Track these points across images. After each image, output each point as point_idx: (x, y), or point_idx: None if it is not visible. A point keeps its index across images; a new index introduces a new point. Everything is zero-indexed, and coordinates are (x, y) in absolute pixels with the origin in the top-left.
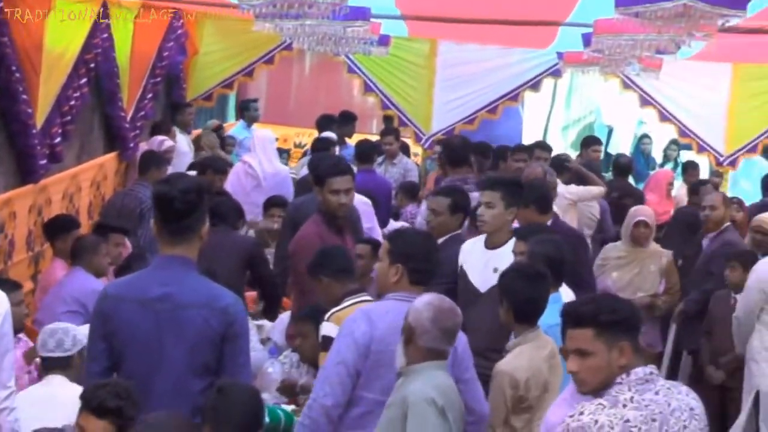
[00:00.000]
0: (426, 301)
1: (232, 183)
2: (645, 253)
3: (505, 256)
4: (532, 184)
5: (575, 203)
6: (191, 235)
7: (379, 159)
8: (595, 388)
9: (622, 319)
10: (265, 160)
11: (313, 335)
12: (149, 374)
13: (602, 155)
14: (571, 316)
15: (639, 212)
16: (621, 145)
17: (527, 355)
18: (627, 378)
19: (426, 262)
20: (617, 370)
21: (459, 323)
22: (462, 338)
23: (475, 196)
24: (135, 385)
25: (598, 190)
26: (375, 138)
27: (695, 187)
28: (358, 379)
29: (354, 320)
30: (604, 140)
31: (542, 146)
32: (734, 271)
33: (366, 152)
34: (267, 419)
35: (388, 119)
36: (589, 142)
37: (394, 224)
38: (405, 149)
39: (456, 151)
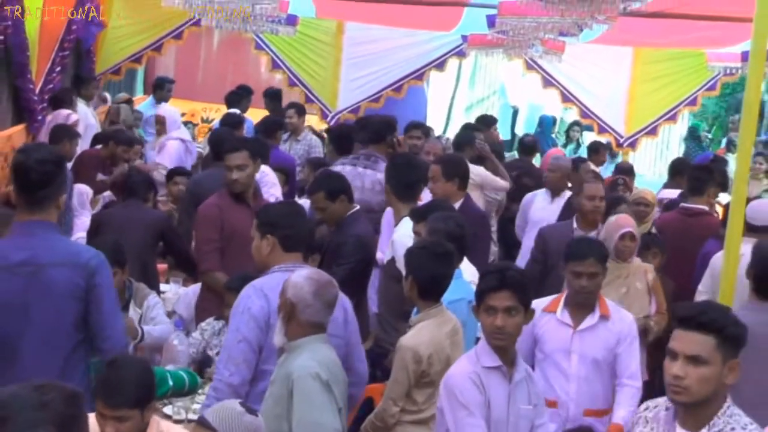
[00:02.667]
0: (305, 276)
1: (174, 162)
2: (629, 269)
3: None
4: (458, 160)
5: (479, 186)
6: (48, 203)
7: (285, 136)
8: (697, 400)
9: (742, 337)
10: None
11: None
12: (18, 336)
13: (509, 135)
14: (694, 320)
15: (622, 223)
16: (525, 125)
17: (430, 331)
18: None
19: (294, 228)
20: (722, 388)
21: (337, 294)
22: (348, 302)
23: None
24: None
25: (503, 184)
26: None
27: (574, 164)
28: (261, 354)
29: (248, 296)
30: (509, 121)
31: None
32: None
33: (270, 128)
34: (171, 383)
35: (271, 94)
36: (487, 121)
37: (299, 200)
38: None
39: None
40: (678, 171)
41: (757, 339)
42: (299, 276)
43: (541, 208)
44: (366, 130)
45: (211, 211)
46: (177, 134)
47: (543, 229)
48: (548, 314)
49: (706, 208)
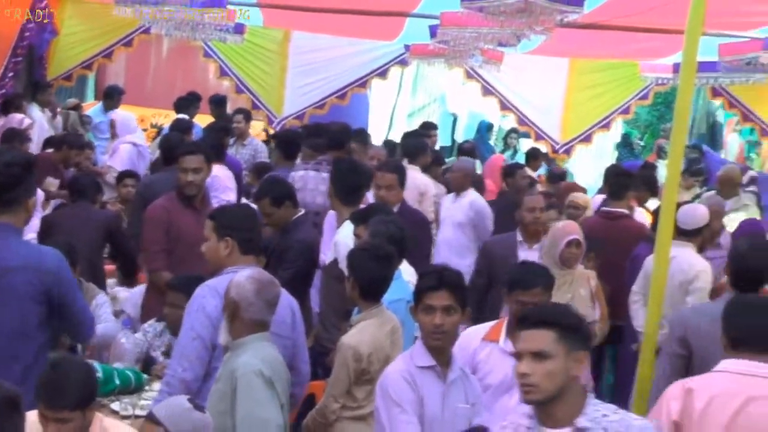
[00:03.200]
0: (247, 275)
1: (125, 165)
2: (573, 275)
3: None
4: (403, 167)
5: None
6: (16, 206)
7: (231, 140)
8: (547, 396)
9: (584, 327)
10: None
11: (183, 306)
12: None
13: (449, 142)
14: (531, 317)
15: (569, 230)
16: (465, 132)
17: (370, 331)
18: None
19: (252, 232)
20: (570, 380)
21: (279, 294)
22: (296, 304)
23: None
24: None
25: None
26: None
27: (510, 170)
28: (213, 352)
29: (203, 296)
30: (449, 127)
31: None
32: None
33: (219, 134)
34: (117, 381)
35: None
36: (427, 127)
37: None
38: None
39: (334, 134)
40: None
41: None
42: (242, 276)
43: (446, 208)
44: (326, 137)
45: (158, 213)
46: (130, 138)
47: (487, 241)
48: (489, 343)
49: (626, 211)
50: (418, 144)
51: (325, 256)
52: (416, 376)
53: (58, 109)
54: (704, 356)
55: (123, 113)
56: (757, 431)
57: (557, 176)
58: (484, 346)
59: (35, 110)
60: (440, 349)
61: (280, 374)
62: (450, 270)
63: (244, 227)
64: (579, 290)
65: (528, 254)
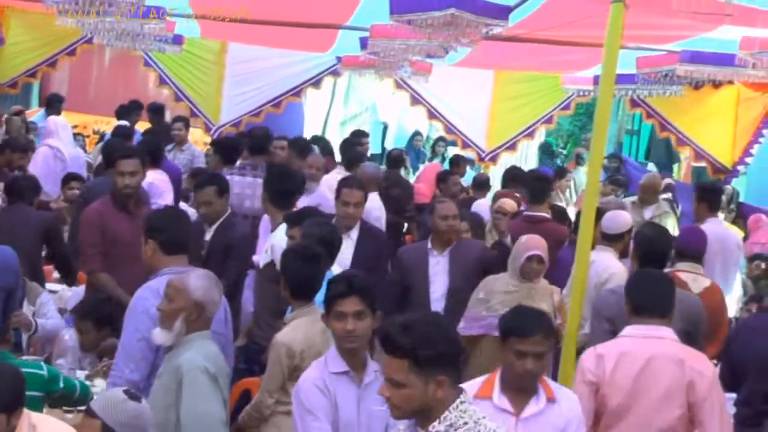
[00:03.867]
0: (204, 275)
1: (40, 166)
2: (535, 289)
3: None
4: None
5: None
6: None
7: (169, 146)
8: (408, 415)
9: (441, 354)
10: (65, 145)
11: (92, 331)
12: None
13: (380, 149)
14: (388, 345)
15: (531, 244)
16: (395, 140)
17: (303, 328)
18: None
19: (171, 232)
20: (433, 401)
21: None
22: (226, 302)
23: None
24: None
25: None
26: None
27: (444, 176)
28: (158, 352)
29: (146, 298)
30: (380, 136)
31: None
32: None
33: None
34: (62, 385)
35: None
36: (357, 136)
37: (183, 206)
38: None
39: (255, 139)
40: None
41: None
42: (200, 277)
43: None
44: (248, 142)
45: (93, 216)
46: (50, 141)
47: (399, 250)
48: (482, 401)
49: (547, 215)
50: (355, 154)
51: (260, 258)
52: (330, 382)
53: (3, 117)
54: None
55: (56, 119)
56: (658, 383)
57: (482, 183)
58: (476, 404)
59: None
60: (354, 352)
61: (221, 370)
62: (359, 275)
63: (165, 228)
64: (541, 304)
65: (438, 260)
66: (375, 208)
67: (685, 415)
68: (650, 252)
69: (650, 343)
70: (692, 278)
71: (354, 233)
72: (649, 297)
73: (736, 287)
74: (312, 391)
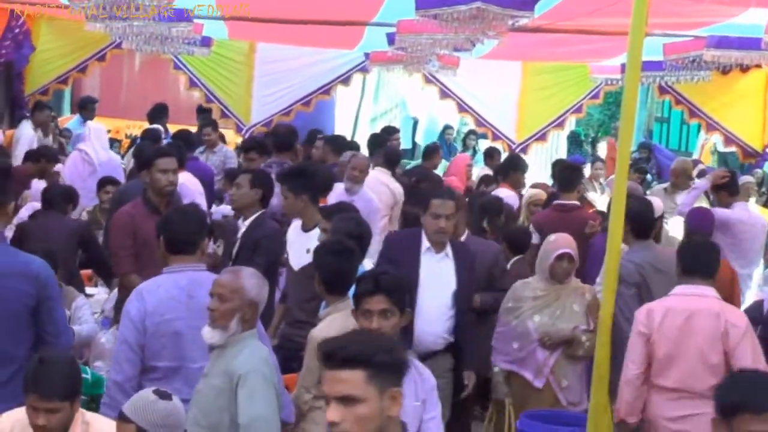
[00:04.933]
0: (255, 274)
1: (69, 170)
2: (565, 290)
3: (315, 237)
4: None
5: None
6: None
7: (201, 148)
8: None
9: (399, 362)
10: (99, 148)
11: None
12: None
13: (410, 144)
14: (335, 355)
15: (560, 243)
16: (426, 135)
17: (338, 323)
18: None
19: (174, 232)
20: (387, 421)
21: None
22: None
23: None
24: None
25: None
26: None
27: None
28: (144, 352)
29: (130, 300)
30: (410, 131)
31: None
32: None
33: (184, 140)
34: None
35: (202, 110)
36: (389, 131)
37: (218, 208)
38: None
39: (280, 137)
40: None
41: (647, 275)
42: (252, 276)
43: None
44: (274, 139)
45: (124, 219)
46: (81, 146)
47: (388, 235)
48: None
49: (577, 203)
50: (396, 150)
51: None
52: None
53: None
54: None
55: (91, 125)
56: (698, 333)
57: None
58: None
59: (27, 127)
60: None
61: (273, 371)
62: (387, 274)
63: (169, 228)
64: (571, 306)
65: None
66: (381, 182)
67: (723, 361)
68: (645, 222)
69: (693, 300)
70: None
71: (449, 251)
72: (696, 261)
73: (761, 269)
74: None
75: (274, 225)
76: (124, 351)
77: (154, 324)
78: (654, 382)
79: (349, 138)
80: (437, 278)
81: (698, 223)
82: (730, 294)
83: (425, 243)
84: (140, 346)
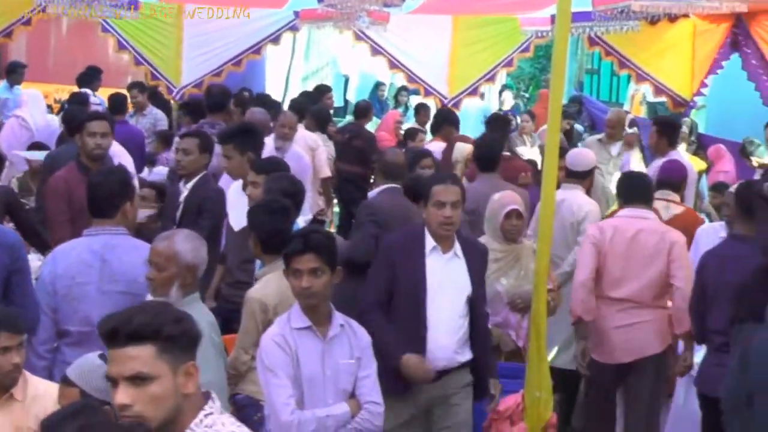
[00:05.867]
0: (190, 235)
1: (6, 137)
2: (524, 249)
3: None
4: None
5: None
6: None
7: (131, 112)
8: (159, 424)
9: (190, 333)
10: (37, 114)
11: None
12: None
13: (342, 102)
14: (119, 332)
15: (506, 200)
16: (357, 92)
17: (275, 283)
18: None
19: (97, 196)
20: (183, 399)
21: None
22: None
23: None
24: None
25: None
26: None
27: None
28: (57, 315)
29: (45, 262)
30: (342, 88)
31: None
32: None
33: (119, 104)
34: None
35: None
36: (322, 90)
37: (155, 170)
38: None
39: (212, 98)
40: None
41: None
42: (186, 239)
43: None
44: (206, 100)
45: (58, 184)
46: (17, 112)
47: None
48: None
49: (508, 153)
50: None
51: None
52: (291, 338)
53: None
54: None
55: (26, 91)
56: (645, 248)
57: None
58: None
59: None
60: (314, 308)
61: (221, 337)
62: (316, 232)
63: (90, 190)
64: (529, 264)
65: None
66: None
67: (664, 271)
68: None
69: (637, 221)
70: (663, 205)
71: (458, 249)
72: (635, 189)
73: None
74: (271, 348)
75: (217, 186)
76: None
77: (64, 287)
78: (605, 294)
79: (281, 97)
80: (448, 282)
81: (667, 172)
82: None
83: (430, 242)
84: (52, 309)
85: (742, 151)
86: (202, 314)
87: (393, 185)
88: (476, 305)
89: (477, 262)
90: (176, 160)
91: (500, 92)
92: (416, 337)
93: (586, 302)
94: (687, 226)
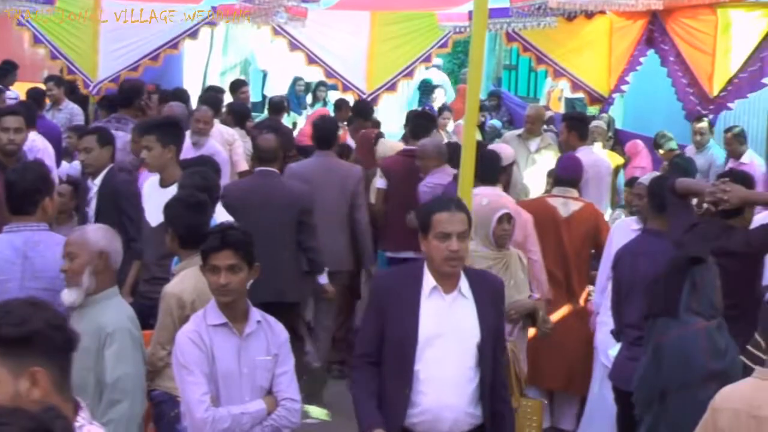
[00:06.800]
0: (102, 227)
1: None
2: (512, 257)
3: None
4: None
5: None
6: None
7: (47, 106)
8: None
9: (36, 333)
10: None
11: None
12: None
13: (260, 97)
14: None
15: (495, 205)
16: (276, 88)
17: (193, 278)
18: None
19: (15, 192)
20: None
21: None
22: None
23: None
24: None
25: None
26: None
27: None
28: None
29: None
30: (260, 84)
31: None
32: None
33: (38, 99)
34: None
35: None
36: (237, 85)
37: (67, 165)
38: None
39: (122, 93)
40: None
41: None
42: (98, 228)
43: None
44: (117, 95)
45: None
46: None
47: (376, 276)
48: None
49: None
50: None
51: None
52: (206, 335)
53: None
54: None
55: None
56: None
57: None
58: None
59: None
60: (230, 305)
61: (140, 330)
62: (234, 229)
63: (8, 187)
64: (518, 273)
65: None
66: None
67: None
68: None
69: (494, 197)
70: (561, 202)
71: (464, 286)
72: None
73: (608, 211)
74: (186, 345)
75: (124, 176)
76: None
77: None
78: None
79: (199, 92)
80: (451, 328)
81: (564, 169)
82: (597, 228)
83: (429, 281)
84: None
85: (654, 145)
86: (122, 308)
87: (266, 168)
88: (490, 352)
89: (489, 299)
90: (80, 160)
91: (430, 90)
92: (401, 398)
93: None
94: (588, 221)
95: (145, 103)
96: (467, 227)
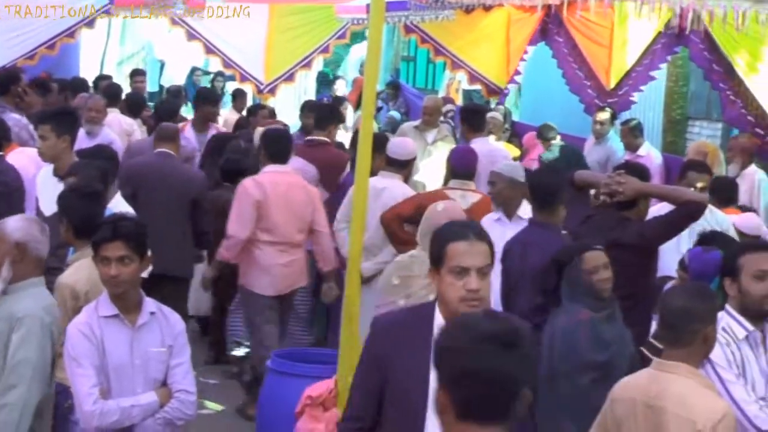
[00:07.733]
0: (22, 217)
1: None
2: None
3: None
4: None
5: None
6: None
7: None
8: None
9: None
10: None
11: None
12: None
13: (157, 87)
14: None
15: (450, 212)
16: (174, 77)
17: (87, 269)
18: None
19: None
20: None
21: None
22: None
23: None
24: None
25: None
26: None
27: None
28: None
29: None
30: (157, 73)
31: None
32: None
33: None
34: None
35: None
36: (134, 74)
37: None
38: None
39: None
40: None
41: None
42: (16, 219)
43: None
44: None
45: None
46: None
47: (376, 320)
48: None
49: (326, 139)
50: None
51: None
52: (97, 327)
53: None
54: None
55: None
56: (295, 201)
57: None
58: None
59: None
60: (121, 296)
61: (55, 319)
62: (126, 220)
63: None
64: None
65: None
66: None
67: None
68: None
69: (287, 176)
70: (460, 194)
71: None
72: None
73: None
74: (76, 337)
75: (8, 164)
76: None
77: None
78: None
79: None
80: None
81: (459, 162)
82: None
83: (441, 324)
84: None
85: (539, 136)
86: (40, 297)
87: (164, 150)
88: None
89: None
90: None
91: (328, 81)
92: None
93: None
94: (486, 213)
95: (22, 90)
96: (490, 261)
